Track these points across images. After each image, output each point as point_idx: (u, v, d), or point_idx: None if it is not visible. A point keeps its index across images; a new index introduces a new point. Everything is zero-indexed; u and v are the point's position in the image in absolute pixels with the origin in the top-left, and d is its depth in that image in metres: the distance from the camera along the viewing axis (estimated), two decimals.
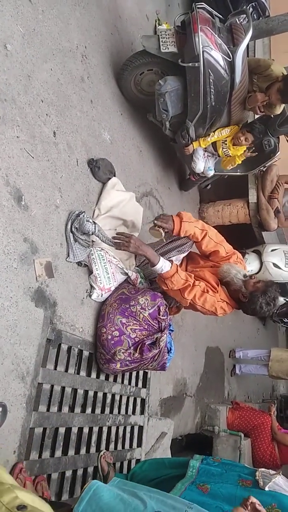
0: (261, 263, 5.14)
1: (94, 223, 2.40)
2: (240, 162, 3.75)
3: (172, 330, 2.65)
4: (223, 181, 4.80)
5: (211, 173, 3.88)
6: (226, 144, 3.59)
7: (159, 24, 4.23)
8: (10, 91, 2.05)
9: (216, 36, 2.83)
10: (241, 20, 3.87)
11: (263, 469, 2.21)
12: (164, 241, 2.58)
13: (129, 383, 2.81)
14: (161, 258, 2.39)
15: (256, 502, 1.51)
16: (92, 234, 2.41)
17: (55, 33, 2.52)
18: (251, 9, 4.76)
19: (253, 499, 1.52)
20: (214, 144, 3.63)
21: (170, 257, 2.60)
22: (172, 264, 2.41)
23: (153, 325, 2.43)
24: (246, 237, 5.18)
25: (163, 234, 2.47)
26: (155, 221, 2.48)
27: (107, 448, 2.50)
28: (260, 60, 3.41)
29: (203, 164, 3.78)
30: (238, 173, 4.12)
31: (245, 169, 4.12)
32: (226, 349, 5.79)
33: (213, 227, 2.77)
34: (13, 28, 2.16)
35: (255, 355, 5.96)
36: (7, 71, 2.06)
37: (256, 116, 4.44)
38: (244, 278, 2.50)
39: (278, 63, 3.38)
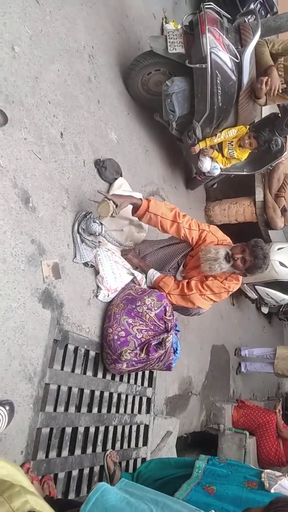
0: None
1: (101, 223, 2.41)
2: (242, 160, 3.75)
3: (178, 331, 2.66)
4: (230, 180, 4.78)
5: (217, 172, 3.87)
6: (232, 145, 3.58)
7: (166, 22, 4.21)
8: (17, 93, 2.06)
9: (224, 37, 2.82)
10: (249, 18, 3.85)
11: (268, 470, 2.22)
12: (114, 216, 2.37)
13: (135, 382, 2.82)
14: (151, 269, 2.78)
15: None
16: (98, 235, 2.42)
17: (62, 34, 2.52)
18: (258, 6, 4.72)
19: None
20: (220, 144, 3.62)
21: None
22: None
23: (159, 326, 2.44)
24: (252, 236, 5.15)
25: (112, 210, 2.31)
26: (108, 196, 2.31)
27: (113, 447, 2.52)
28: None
29: (209, 163, 3.77)
30: (244, 173, 4.10)
31: (252, 169, 4.10)
32: (231, 347, 5.79)
33: (220, 225, 2.81)
34: (21, 30, 2.17)
35: (261, 353, 5.97)
36: (15, 73, 2.07)
37: (264, 115, 4.43)
38: (229, 262, 2.51)
39: None
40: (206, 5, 2.88)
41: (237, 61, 2.92)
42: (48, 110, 2.26)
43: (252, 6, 4.72)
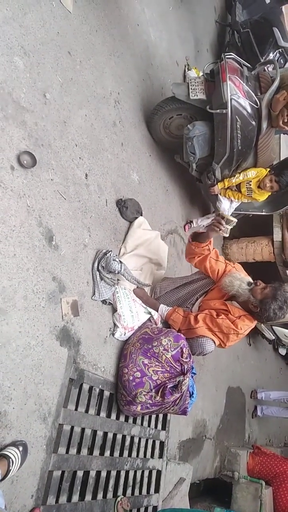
0: None
1: (120, 262, 2.44)
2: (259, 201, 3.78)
3: (195, 373, 2.61)
4: (248, 219, 4.81)
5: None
6: (250, 185, 3.63)
7: (188, 70, 4.40)
8: (46, 137, 2.16)
9: (244, 84, 2.93)
10: (268, 67, 4.00)
11: None
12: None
13: (149, 425, 2.75)
14: (161, 304, 2.81)
15: None
16: (118, 273, 2.44)
17: (90, 81, 2.66)
18: (278, 55, 4.90)
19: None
20: (238, 184, 3.67)
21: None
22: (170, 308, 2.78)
23: (176, 368, 2.40)
24: (270, 276, 5.11)
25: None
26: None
27: (124, 493, 2.43)
28: None
29: (228, 203, 3.81)
30: (263, 213, 4.13)
31: (271, 209, 4.12)
32: (247, 389, 5.62)
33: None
34: (53, 78, 2.30)
35: (278, 396, 5.77)
36: (45, 118, 2.18)
37: (282, 157, 4.50)
38: (249, 286, 2.51)
39: None
40: (227, 54, 3.02)
41: (257, 107, 3.02)
42: (74, 153, 2.35)
43: (271, 56, 4.91)
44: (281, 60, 5.01)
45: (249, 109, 2.96)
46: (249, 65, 3.23)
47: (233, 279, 2.56)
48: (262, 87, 3.15)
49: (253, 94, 3.01)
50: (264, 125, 3.13)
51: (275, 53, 4.92)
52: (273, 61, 3.39)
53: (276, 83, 3.05)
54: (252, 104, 2.98)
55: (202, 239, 2.62)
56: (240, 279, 2.56)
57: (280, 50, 4.98)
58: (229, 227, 2.48)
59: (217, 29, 6.00)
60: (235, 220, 2.45)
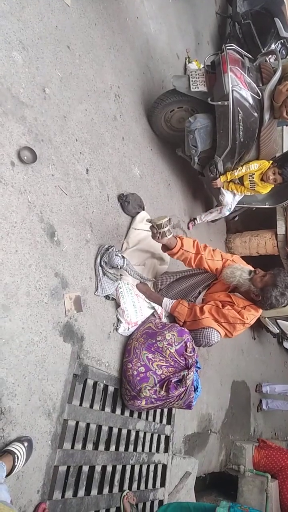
0: None
1: (123, 257, 2.43)
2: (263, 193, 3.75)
3: (199, 367, 2.60)
4: (251, 212, 4.79)
5: (227, 213, 3.95)
6: (253, 177, 3.60)
7: (189, 62, 4.36)
8: (47, 132, 2.15)
9: (246, 75, 2.90)
10: (270, 58, 3.95)
11: None
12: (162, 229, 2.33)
13: (154, 419, 2.75)
14: (165, 298, 2.77)
15: None
16: (120, 268, 2.43)
17: (90, 76, 2.64)
18: (279, 46, 4.85)
19: None
20: (240, 176, 3.65)
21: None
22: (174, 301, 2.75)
23: (180, 362, 2.39)
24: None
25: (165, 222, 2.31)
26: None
27: (130, 488, 2.43)
28: None
29: (231, 196, 3.79)
30: (266, 206, 4.10)
31: (274, 202, 4.10)
32: (252, 383, 5.62)
33: (240, 257, 2.80)
34: (52, 73, 2.28)
35: (283, 390, 5.77)
36: (45, 113, 2.16)
37: (285, 149, 4.46)
38: (250, 275, 2.51)
39: None
40: (227, 45, 2.98)
41: (259, 98, 2.99)
42: (75, 148, 2.34)
43: (273, 46, 4.86)
44: (283, 51, 4.96)
45: (251, 101, 2.93)
46: (250, 56, 3.19)
47: (234, 270, 2.55)
48: (264, 78, 3.12)
49: (255, 85, 2.98)
50: (267, 116, 3.10)
51: (277, 43, 4.86)
52: (275, 52, 3.35)
53: (278, 74, 3.01)
54: (254, 95, 2.94)
55: (167, 248, 2.54)
56: (240, 269, 2.55)
57: (282, 40, 4.92)
58: (165, 229, 2.31)
59: (217, 20, 5.95)
60: (165, 219, 2.29)
